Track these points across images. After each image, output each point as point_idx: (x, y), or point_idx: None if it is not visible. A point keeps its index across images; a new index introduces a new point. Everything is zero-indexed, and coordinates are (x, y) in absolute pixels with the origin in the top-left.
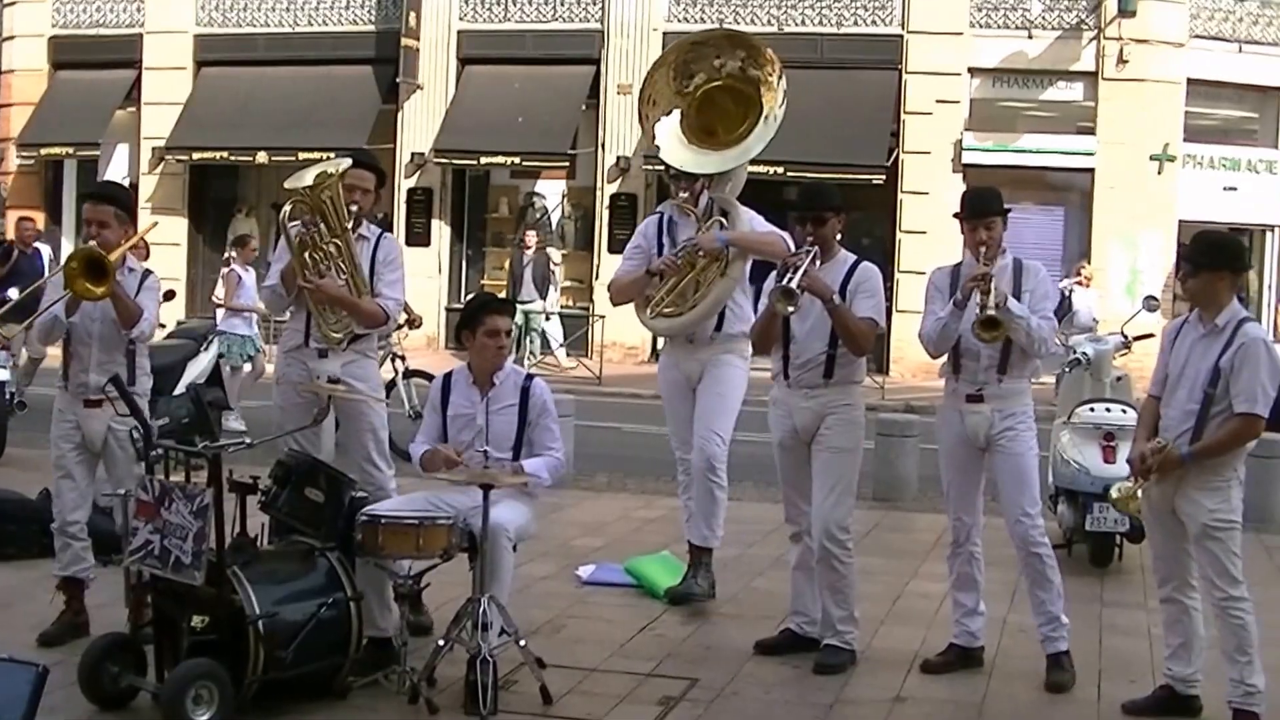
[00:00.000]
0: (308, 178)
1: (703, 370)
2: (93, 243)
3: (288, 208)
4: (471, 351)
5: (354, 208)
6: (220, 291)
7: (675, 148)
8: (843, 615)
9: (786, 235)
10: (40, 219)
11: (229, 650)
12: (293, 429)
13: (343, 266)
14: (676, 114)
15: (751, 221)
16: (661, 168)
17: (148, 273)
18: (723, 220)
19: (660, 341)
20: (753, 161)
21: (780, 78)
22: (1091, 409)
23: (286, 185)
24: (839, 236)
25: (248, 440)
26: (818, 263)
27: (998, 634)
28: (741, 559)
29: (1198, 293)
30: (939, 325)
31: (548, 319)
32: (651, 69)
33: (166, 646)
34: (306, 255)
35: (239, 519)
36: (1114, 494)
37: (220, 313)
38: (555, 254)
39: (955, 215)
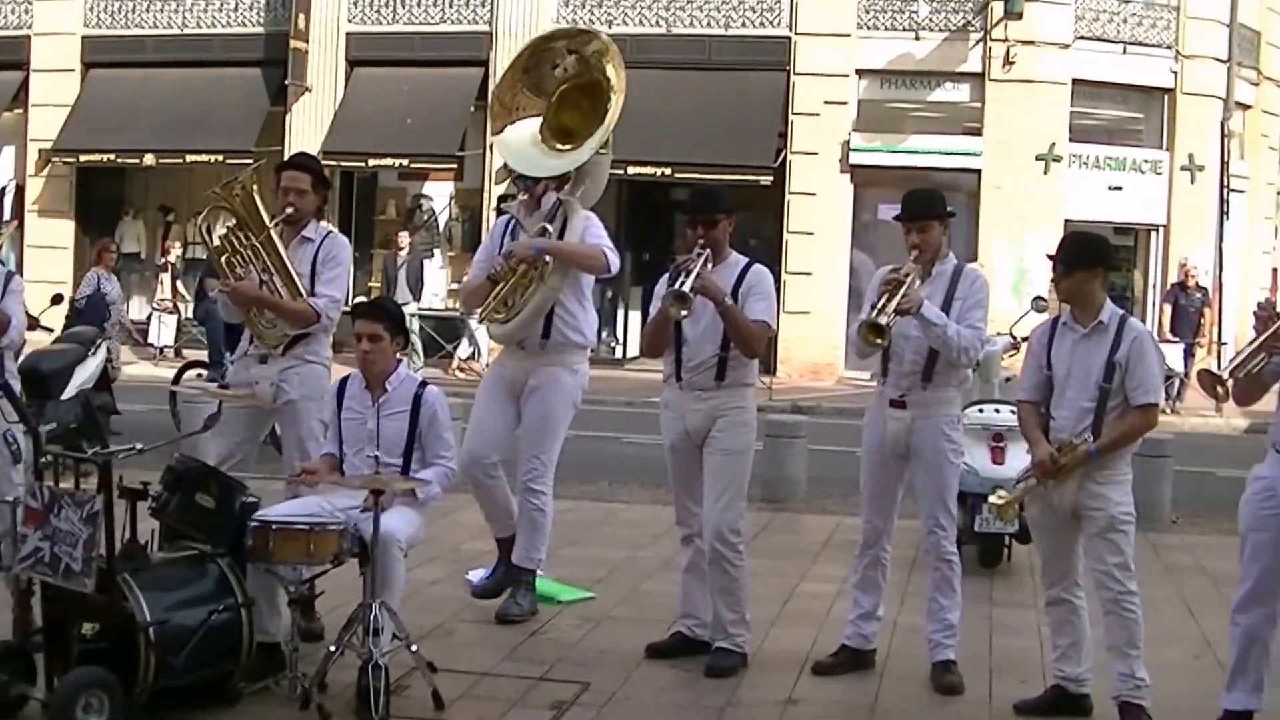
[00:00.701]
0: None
1: (528, 380)
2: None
3: (205, 212)
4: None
5: (289, 210)
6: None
7: (518, 149)
8: (734, 618)
9: (612, 252)
10: None
11: (120, 658)
12: (183, 435)
13: (267, 266)
14: (537, 117)
15: (586, 230)
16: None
17: (10, 275)
18: (548, 227)
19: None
20: (639, 162)
21: (621, 71)
22: (980, 410)
23: (206, 193)
24: (729, 238)
25: (138, 446)
26: (710, 265)
27: (889, 636)
28: (631, 562)
29: (1073, 292)
30: (854, 330)
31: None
32: (503, 76)
33: (56, 654)
34: (225, 259)
35: (129, 525)
36: (996, 501)
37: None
38: (439, 256)
39: (894, 217)
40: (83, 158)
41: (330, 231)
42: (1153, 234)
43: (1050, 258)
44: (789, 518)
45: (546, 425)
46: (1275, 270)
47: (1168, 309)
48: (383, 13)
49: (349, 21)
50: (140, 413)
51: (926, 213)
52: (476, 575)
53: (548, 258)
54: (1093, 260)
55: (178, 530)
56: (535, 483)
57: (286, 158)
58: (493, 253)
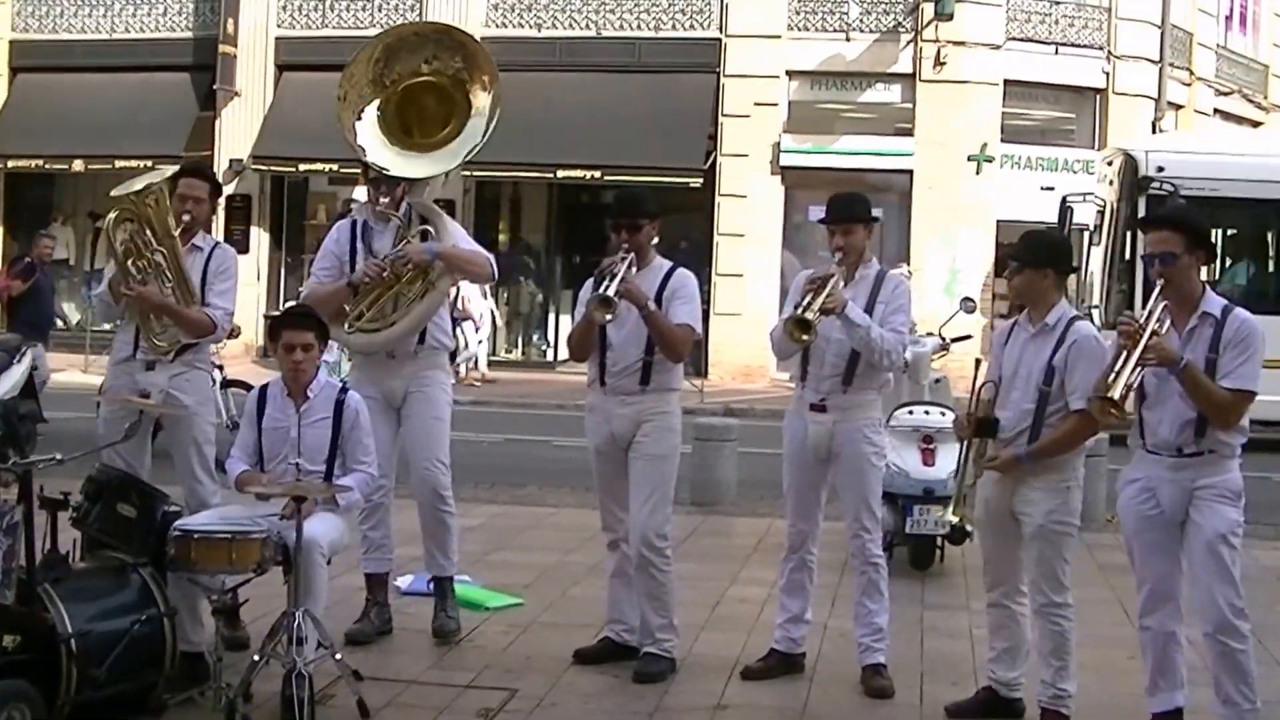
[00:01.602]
0: (136, 185)
1: (406, 390)
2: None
3: (112, 215)
4: (279, 364)
5: (186, 217)
6: None
7: (378, 149)
8: (662, 623)
9: (491, 256)
10: None
11: (41, 670)
12: (104, 444)
13: (168, 275)
14: (373, 109)
15: (456, 235)
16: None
17: None
18: (429, 230)
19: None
20: (569, 165)
21: (496, 84)
22: (910, 411)
23: (113, 194)
24: (655, 242)
25: (58, 456)
26: (634, 270)
27: (819, 639)
28: (559, 567)
29: (1024, 290)
30: (778, 328)
31: None
32: (352, 62)
33: None
34: (130, 263)
35: (50, 535)
36: (950, 518)
37: None
38: None
39: (819, 220)
40: (10, 163)
41: (218, 243)
42: (1085, 234)
43: (1005, 254)
44: (719, 520)
45: (440, 426)
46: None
47: None
48: (312, 17)
49: (278, 26)
50: (67, 420)
51: (850, 215)
52: (404, 582)
53: (439, 262)
54: (1042, 260)
55: (100, 540)
56: (442, 488)
57: (180, 166)
58: (340, 258)
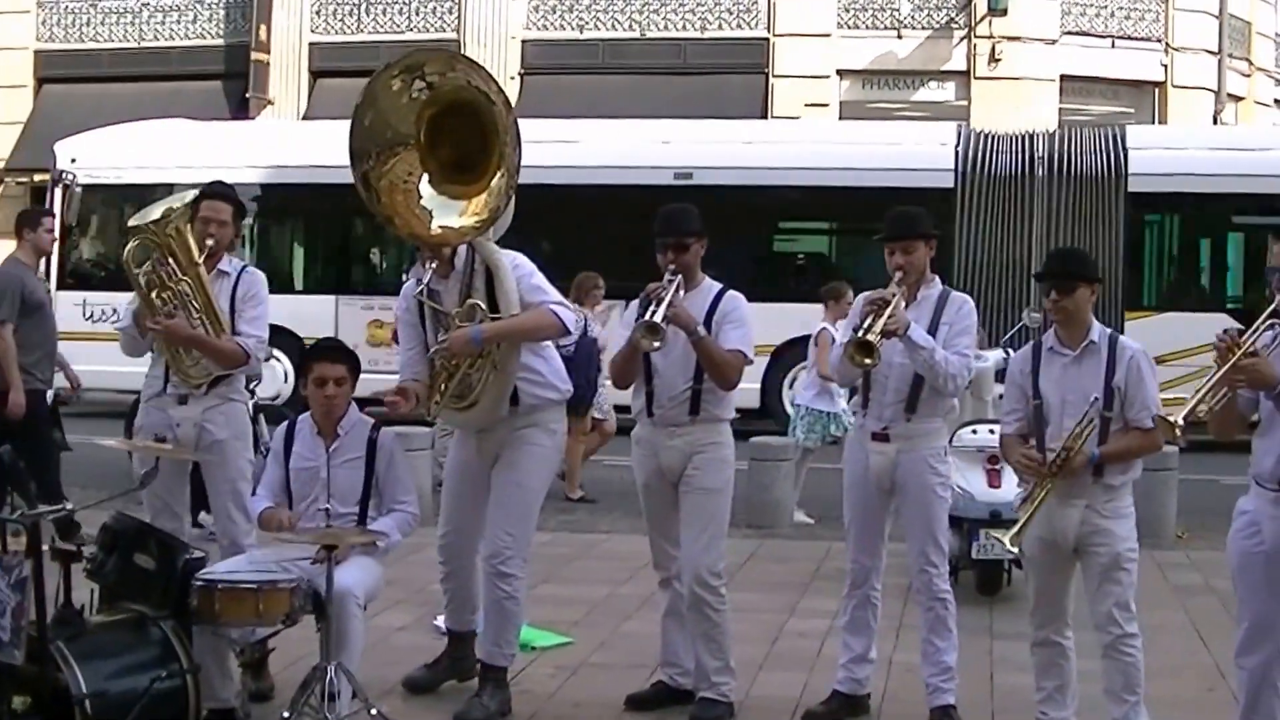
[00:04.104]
0: (154, 213)
1: (498, 451)
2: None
3: (131, 246)
4: (309, 400)
5: (210, 242)
6: None
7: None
8: (718, 666)
9: (562, 307)
10: None
11: None
12: (117, 494)
13: (195, 305)
14: (416, 161)
15: (521, 281)
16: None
17: None
18: (480, 305)
19: None
20: None
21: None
22: (973, 431)
23: (130, 222)
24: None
25: (68, 505)
26: (681, 293)
27: (884, 675)
28: (610, 600)
29: (1075, 312)
30: (838, 351)
31: None
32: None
33: None
34: (155, 295)
35: (63, 589)
36: (1003, 538)
37: None
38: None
39: (877, 239)
40: (37, 177)
41: (246, 266)
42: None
43: (1038, 277)
44: (776, 545)
45: (520, 496)
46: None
47: None
48: (346, 22)
49: (311, 32)
50: (95, 448)
51: (910, 232)
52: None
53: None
54: (1094, 273)
55: (118, 591)
56: (506, 564)
57: (205, 186)
58: (415, 328)
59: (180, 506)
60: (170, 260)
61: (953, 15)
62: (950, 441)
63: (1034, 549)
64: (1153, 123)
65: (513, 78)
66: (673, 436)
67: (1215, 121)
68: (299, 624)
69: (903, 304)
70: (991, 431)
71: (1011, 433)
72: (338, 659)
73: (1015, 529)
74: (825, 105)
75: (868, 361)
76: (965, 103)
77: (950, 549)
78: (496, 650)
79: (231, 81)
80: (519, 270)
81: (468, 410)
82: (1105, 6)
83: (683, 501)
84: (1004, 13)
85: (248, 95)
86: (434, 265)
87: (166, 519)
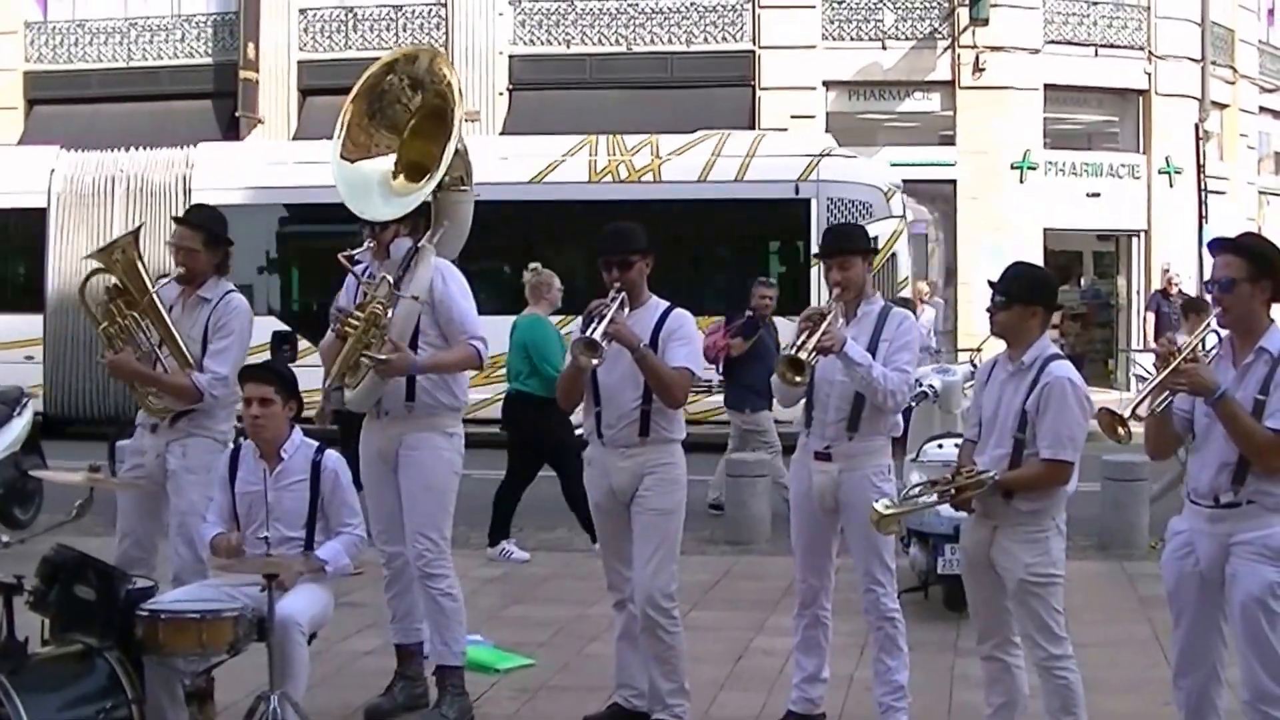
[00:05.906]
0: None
1: (397, 451)
2: None
3: (84, 279)
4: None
5: (181, 270)
6: None
7: (360, 186)
8: (672, 688)
9: (480, 342)
10: None
11: None
12: (51, 525)
13: (143, 339)
14: (390, 154)
15: (445, 292)
16: None
17: None
18: (388, 279)
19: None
20: None
21: (460, 97)
22: (940, 445)
23: (84, 256)
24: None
25: (4, 539)
26: (625, 310)
27: (843, 693)
28: (578, 621)
29: (1007, 327)
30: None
31: None
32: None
33: None
34: (103, 329)
35: (5, 622)
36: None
37: None
38: None
39: (813, 255)
40: None
41: (229, 292)
42: (1134, 239)
43: (991, 285)
44: (752, 561)
45: (431, 496)
46: None
47: (1151, 317)
48: (334, 39)
49: (299, 50)
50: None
51: (847, 247)
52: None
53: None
54: (1034, 296)
55: (63, 622)
56: (430, 566)
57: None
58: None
59: (151, 538)
60: (123, 290)
61: (936, 25)
62: (917, 456)
63: (964, 566)
64: (1138, 130)
65: (501, 93)
66: (624, 458)
67: (1198, 130)
68: (247, 653)
69: (840, 320)
70: (958, 446)
71: (969, 437)
72: (282, 688)
73: (887, 511)
74: (812, 117)
75: (798, 380)
76: (951, 113)
77: (917, 564)
78: (446, 650)
79: (221, 100)
80: (446, 280)
81: (350, 390)
82: (1088, 15)
83: (635, 523)
84: (986, 22)
85: (237, 114)
86: (372, 245)
87: (135, 550)
